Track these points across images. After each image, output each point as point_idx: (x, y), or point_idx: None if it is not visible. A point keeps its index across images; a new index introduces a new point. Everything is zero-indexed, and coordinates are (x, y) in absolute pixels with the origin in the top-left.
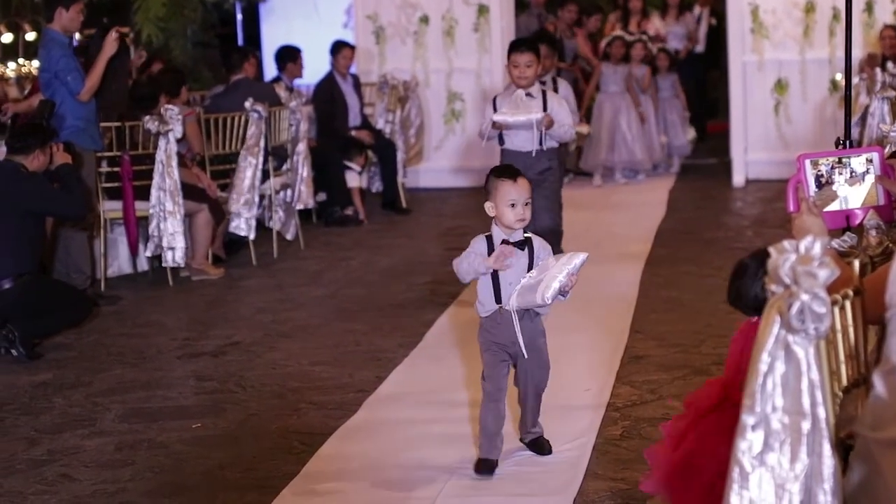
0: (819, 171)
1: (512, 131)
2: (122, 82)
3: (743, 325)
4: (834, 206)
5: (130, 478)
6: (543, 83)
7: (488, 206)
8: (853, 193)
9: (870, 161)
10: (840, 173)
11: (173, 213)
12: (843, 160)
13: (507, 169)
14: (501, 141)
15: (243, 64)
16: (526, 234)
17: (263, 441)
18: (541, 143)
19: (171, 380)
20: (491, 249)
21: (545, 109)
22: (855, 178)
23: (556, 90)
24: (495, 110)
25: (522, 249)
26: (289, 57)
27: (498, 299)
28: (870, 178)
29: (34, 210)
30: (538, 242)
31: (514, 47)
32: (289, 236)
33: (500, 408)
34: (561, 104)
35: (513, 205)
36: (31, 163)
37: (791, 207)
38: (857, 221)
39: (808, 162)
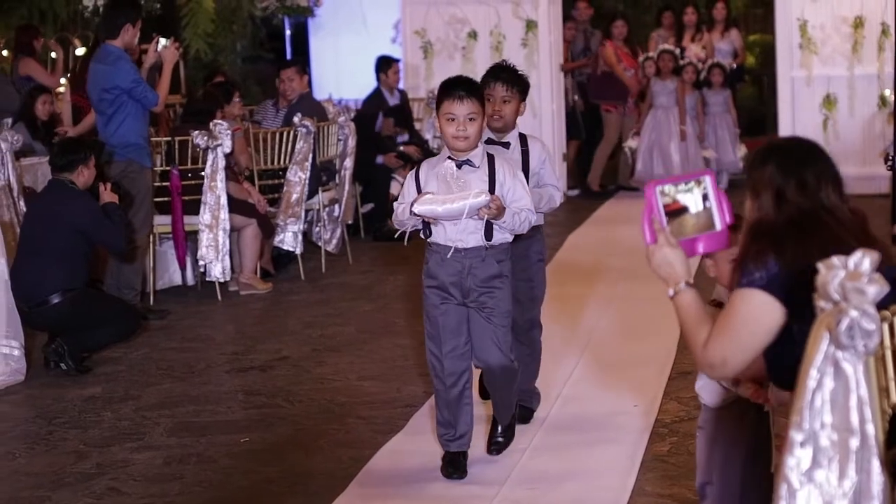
0: (668, 199)
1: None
2: None
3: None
4: (688, 234)
5: (179, 492)
6: (505, 144)
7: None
8: (695, 220)
9: (701, 184)
10: (687, 198)
11: (212, 227)
12: (687, 184)
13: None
14: (428, 231)
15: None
16: None
17: (311, 456)
18: (487, 238)
19: (219, 394)
20: None
21: (492, 187)
22: (699, 204)
23: (526, 154)
24: (419, 189)
25: None
26: (387, 65)
27: None
28: (707, 205)
29: (80, 230)
30: None
31: (448, 91)
32: (332, 249)
33: None
34: (515, 175)
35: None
36: (78, 178)
37: (648, 240)
38: (700, 251)
39: (657, 189)
